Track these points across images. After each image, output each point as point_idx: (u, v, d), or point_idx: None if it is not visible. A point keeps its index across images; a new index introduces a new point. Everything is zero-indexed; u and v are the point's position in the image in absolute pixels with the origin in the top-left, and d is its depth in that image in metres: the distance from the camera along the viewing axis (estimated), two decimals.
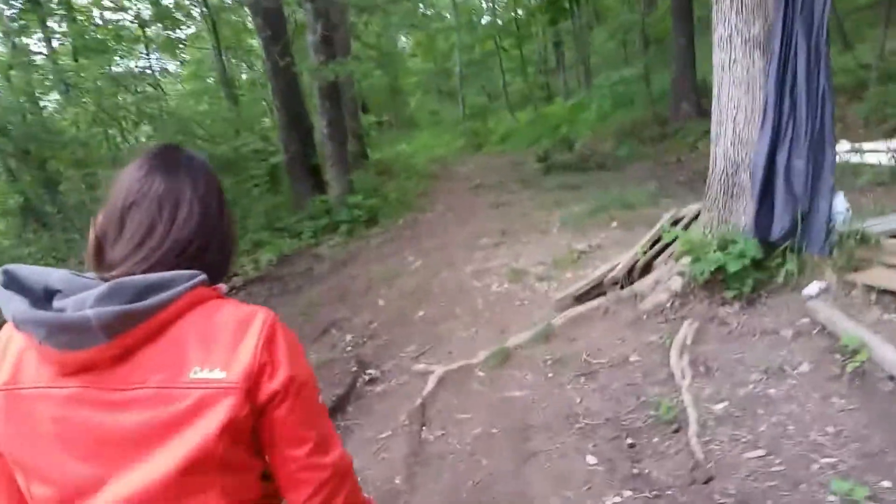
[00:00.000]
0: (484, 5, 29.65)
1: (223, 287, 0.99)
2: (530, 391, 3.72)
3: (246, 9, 8.93)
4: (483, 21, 28.58)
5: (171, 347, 0.88)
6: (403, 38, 36.09)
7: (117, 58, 12.52)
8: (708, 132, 4.51)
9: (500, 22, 24.93)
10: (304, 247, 8.21)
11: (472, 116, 23.15)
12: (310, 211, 8.95)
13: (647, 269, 4.67)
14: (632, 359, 3.77)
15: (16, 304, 0.85)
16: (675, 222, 5.04)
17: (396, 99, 35.62)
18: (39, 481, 0.89)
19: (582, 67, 21.72)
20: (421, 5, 25.66)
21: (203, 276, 0.92)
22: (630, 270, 4.65)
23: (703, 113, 13.92)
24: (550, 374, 3.85)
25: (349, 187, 9.20)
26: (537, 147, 18.83)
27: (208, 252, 0.99)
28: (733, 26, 4.03)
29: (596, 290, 4.73)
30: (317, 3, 8.33)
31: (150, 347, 0.87)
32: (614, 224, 6.57)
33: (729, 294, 3.90)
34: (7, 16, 10.74)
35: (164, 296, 0.87)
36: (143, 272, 0.90)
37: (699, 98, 13.90)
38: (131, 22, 12.64)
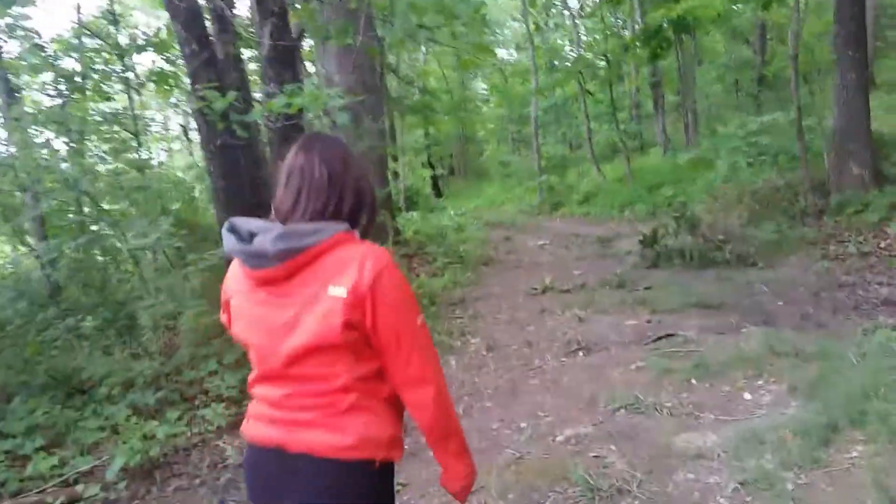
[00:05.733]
0: (568, 47, 25.76)
1: (356, 233, 1.50)
2: None
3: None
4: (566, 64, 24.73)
5: (319, 271, 1.41)
6: (483, 86, 32.71)
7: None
8: None
9: (585, 58, 20.80)
10: (210, 433, 4.37)
11: (549, 169, 19.08)
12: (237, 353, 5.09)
13: None
14: None
15: (230, 241, 1.45)
16: None
17: (468, 148, 32.20)
18: (251, 349, 1.51)
19: (691, 115, 17.32)
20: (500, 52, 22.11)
21: (344, 226, 1.46)
22: None
23: (883, 178, 9.33)
24: None
25: None
26: (630, 214, 14.53)
27: (344, 205, 1.50)
28: None
29: None
30: None
31: (306, 270, 1.41)
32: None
33: None
34: None
35: (315, 238, 1.40)
36: (299, 220, 1.46)
37: (875, 157, 9.30)
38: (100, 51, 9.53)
